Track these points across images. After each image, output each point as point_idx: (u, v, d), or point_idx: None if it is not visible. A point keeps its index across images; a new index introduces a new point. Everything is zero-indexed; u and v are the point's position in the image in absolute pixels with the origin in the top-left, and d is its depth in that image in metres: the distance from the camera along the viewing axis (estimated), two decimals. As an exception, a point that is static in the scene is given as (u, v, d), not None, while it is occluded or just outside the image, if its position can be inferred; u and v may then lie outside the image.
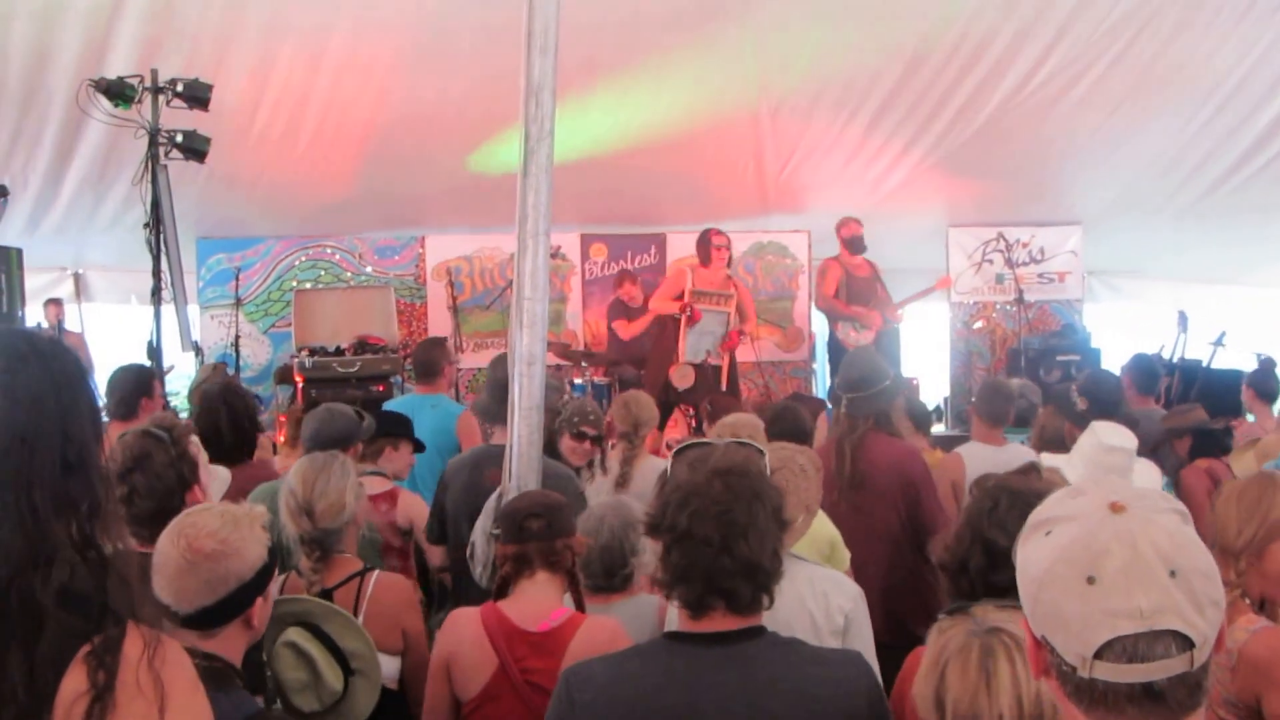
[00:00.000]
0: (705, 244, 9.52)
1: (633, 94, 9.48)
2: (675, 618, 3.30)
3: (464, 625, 3.25)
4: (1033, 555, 1.57)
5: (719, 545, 2.39)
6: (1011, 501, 2.59)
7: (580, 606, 3.35)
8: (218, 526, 2.62)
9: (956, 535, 2.67)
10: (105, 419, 5.84)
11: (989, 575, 2.53)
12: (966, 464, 5.48)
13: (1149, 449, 5.78)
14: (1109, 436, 4.48)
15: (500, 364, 4.82)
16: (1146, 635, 1.45)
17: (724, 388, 9.35)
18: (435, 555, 4.81)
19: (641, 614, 3.39)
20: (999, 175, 11.14)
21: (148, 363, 7.72)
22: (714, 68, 9.42)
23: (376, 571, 3.63)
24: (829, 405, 9.13)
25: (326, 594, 3.51)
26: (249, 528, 2.67)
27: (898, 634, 4.00)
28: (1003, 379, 6.82)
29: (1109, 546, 1.48)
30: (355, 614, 3.45)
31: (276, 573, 2.78)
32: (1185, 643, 1.46)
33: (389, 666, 3.51)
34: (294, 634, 3.24)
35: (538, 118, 3.81)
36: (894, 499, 4.80)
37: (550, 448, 4.97)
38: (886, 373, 5.12)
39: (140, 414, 5.51)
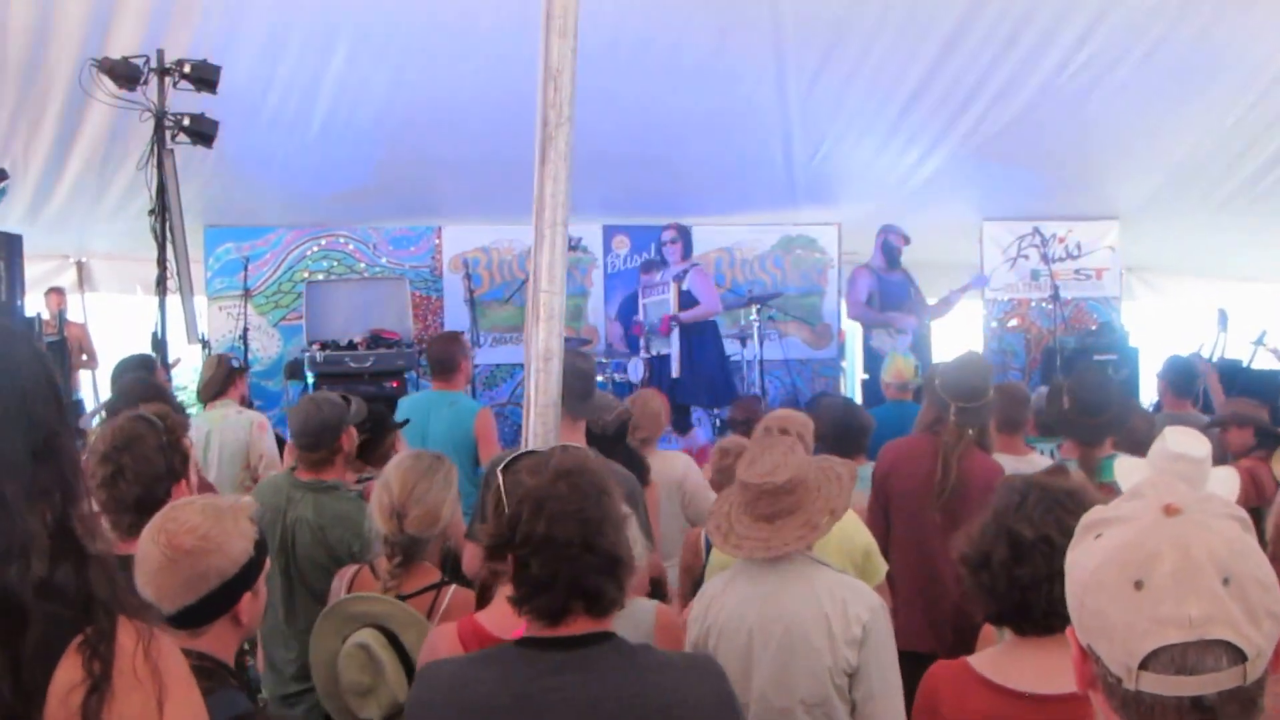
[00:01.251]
0: (658, 242, 10.36)
1: (656, 80, 9.17)
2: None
3: (441, 640, 3.08)
4: (1081, 559, 1.51)
5: (580, 544, 2.38)
6: (1039, 496, 2.59)
7: None
8: (199, 521, 2.55)
9: (981, 529, 2.65)
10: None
11: (1013, 569, 2.53)
12: None
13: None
14: (1177, 443, 4.12)
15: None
16: (1196, 645, 1.38)
17: (675, 374, 9.54)
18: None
19: (637, 619, 3.18)
20: (1035, 166, 10.84)
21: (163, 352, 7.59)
22: (741, 53, 9.12)
23: (453, 586, 3.54)
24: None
25: (401, 600, 3.42)
26: (233, 521, 2.60)
27: (962, 648, 4.00)
28: (1016, 384, 6.57)
29: (1160, 550, 1.42)
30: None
31: (266, 565, 2.70)
32: (1237, 655, 1.38)
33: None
34: (368, 636, 3.22)
35: (556, 102, 3.68)
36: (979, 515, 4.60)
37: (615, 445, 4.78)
38: (992, 384, 4.95)
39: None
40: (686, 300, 9.82)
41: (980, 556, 2.61)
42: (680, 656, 2.76)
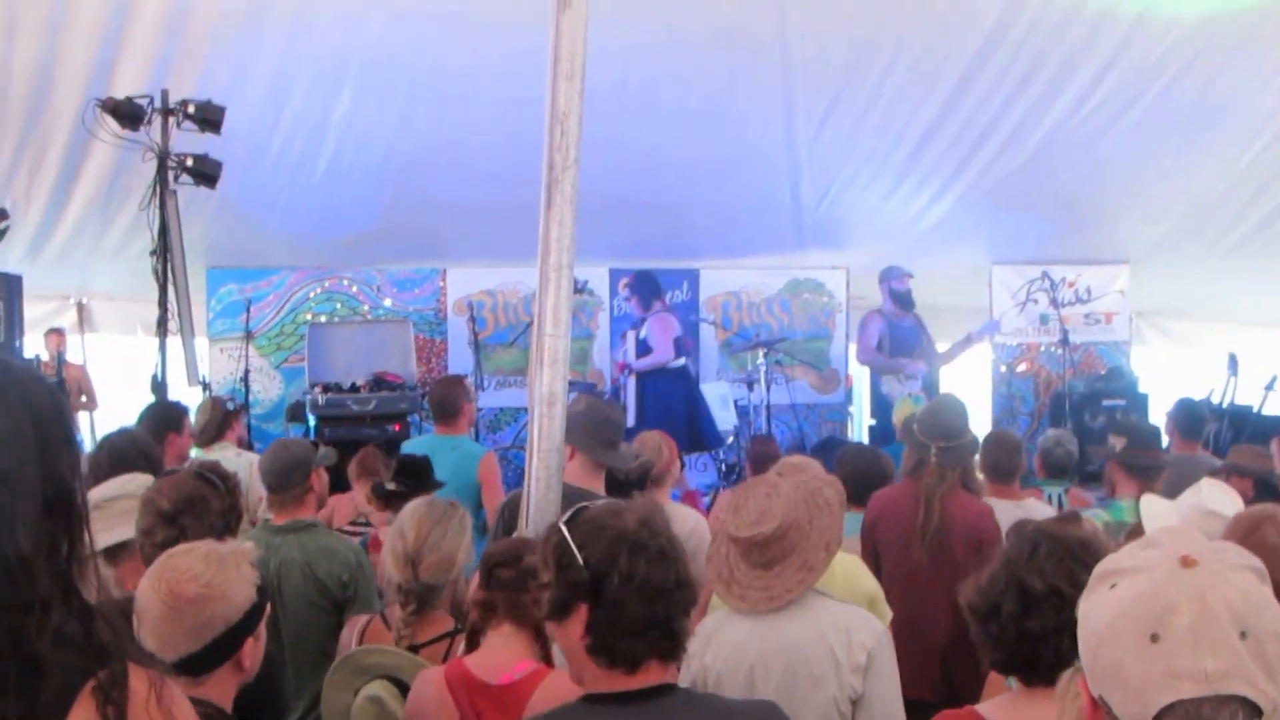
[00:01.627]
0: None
1: (664, 123, 9.13)
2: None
3: (429, 683, 3.09)
4: (1095, 609, 1.51)
5: (674, 584, 2.42)
6: (1051, 547, 2.55)
7: (547, 661, 3.16)
8: (201, 569, 2.53)
9: (990, 578, 2.60)
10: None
11: (1022, 621, 2.50)
12: None
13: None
14: (1212, 499, 4.05)
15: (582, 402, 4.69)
16: (1211, 700, 1.38)
17: (631, 423, 9.23)
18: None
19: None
20: (1045, 210, 10.82)
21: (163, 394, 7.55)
22: (749, 96, 9.12)
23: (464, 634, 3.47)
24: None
25: (413, 650, 3.42)
26: (235, 568, 2.59)
27: (951, 692, 4.27)
28: (1008, 432, 6.53)
29: (1177, 602, 1.41)
30: None
31: (268, 610, 2.69)
32: (1253, 710, 1.38)
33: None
34: (380, 689, 3.19)
35: (562, 146, 3.66)
36: (966, 557, 4.64)
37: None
38: (969, 423, 4.99)
39: (166, 450, 5.48)
40: (643, 349, 9.76)
41: (989, 606, 2.56)
42: (745, 703, 2.80)
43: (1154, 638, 1.41)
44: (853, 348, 11.16)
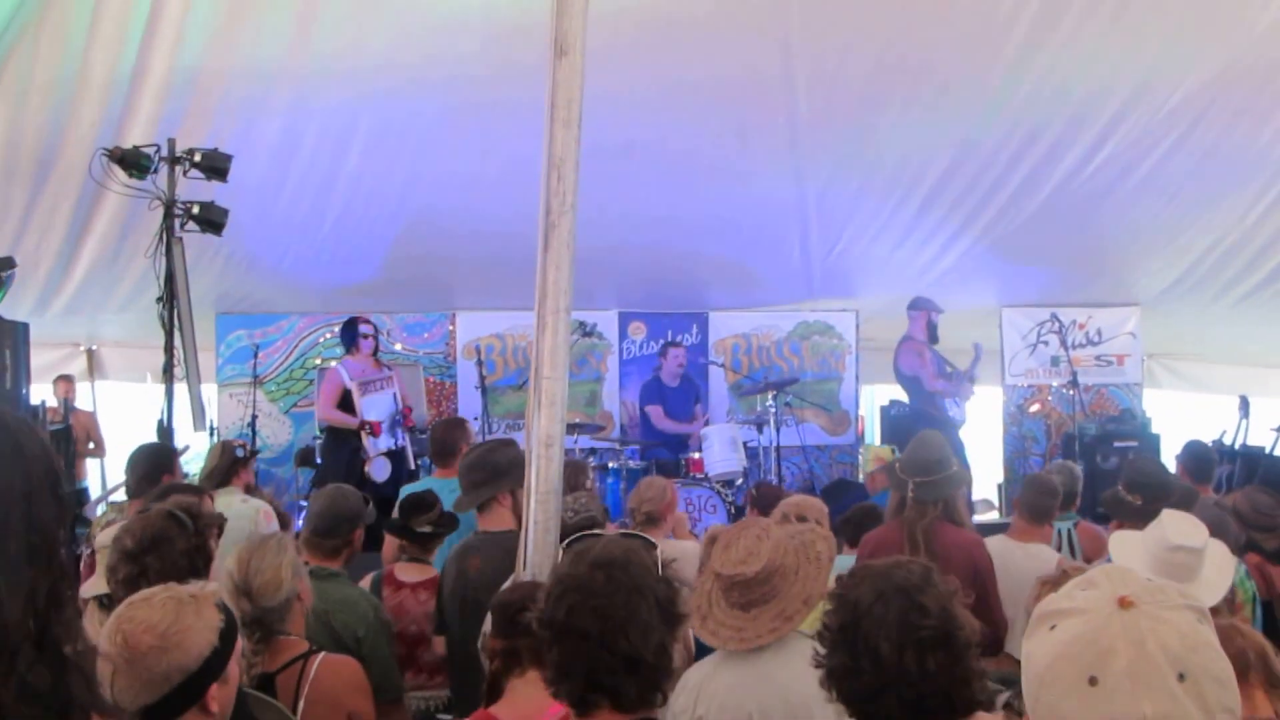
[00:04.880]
0: (352, 332, 8.90)
1: (675, 174, 9.18)
2: None
3: None
4: (1036, 650, 1.50)
5: (597, 639, 2.35)
6: None
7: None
8: (158, 619, 2.50)
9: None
10: (126, 498, 5.59)
11: None
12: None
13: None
14: (1177, 533, 3.93)
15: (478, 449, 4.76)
16: None
17: (411, 466, 8.82)
18: (436, 645, 4.67)
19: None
20: (1054, 258, 10.82)
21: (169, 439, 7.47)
22: (760, 149, 9.14)
23: (322, 654, 3.54)
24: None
25: (268, 678, 3.40)
26: (195, 614, 2.55)
27: None
28: (1047, 475, 6.45)
29: (1114, 645, 1.41)
30: (297, 698, 3.38)
31: (237, 648, 2.66)
32: None
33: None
34: None
35: (559, 191, 3.68)
36: (962, 588, 4.57)
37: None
38: (954, 458, 5.00)
39: (161, 493, 5.35)
40: None
41: None
42: None
43: (1092, 681, 1.41)
44: (866, 388, 11.14)
